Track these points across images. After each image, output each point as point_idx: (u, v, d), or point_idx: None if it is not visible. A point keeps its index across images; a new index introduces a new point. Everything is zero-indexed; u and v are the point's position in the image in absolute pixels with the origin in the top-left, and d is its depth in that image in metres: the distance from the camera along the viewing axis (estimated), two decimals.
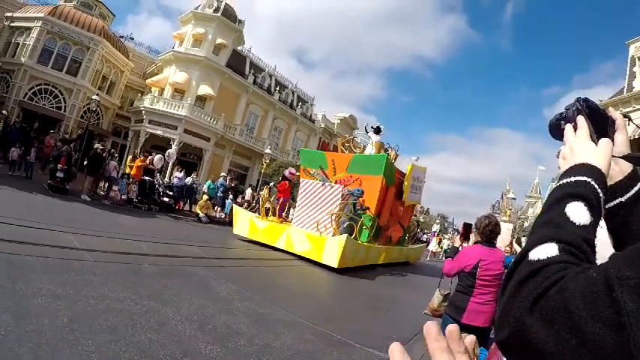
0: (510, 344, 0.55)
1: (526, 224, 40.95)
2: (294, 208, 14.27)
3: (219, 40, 27.71)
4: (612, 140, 0.76)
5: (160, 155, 16.52)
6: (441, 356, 0.53)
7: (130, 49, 30.70)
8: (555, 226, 0.61)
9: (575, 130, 0.77)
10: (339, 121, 39.47)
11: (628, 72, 20.77)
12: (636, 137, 12.03)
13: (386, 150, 15.02)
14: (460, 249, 4.37)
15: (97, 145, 14.87)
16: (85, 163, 15.50)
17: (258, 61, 31.90)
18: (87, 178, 13.66)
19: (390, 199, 14.01)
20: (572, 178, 0.67)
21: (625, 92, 20.32)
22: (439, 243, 27.38)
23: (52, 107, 24.97)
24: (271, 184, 15.99)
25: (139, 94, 28.96)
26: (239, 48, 30.22)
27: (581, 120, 0.77)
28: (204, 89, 26.83)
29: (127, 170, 15.62)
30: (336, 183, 12.90)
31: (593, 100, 0.80)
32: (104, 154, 14.81)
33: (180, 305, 4.78)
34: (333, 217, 11.40)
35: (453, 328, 0.55)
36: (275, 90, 32.39)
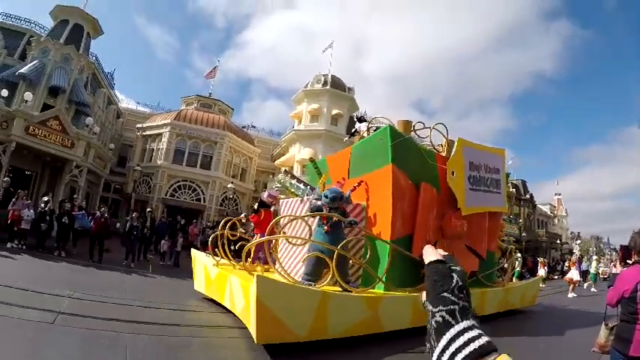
0: None
1: None
2: None
3: (334, 111, 27.99)
4: None
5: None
6: None
7: (254, 136, 31.98)
8: None
9: None
10: None
11: None
12: None
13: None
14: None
15: (239, 229, 14.21)
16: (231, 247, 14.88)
17: (375, 122, 30.68)
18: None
19: (429, 208, 7.74)
20: None
21: None
22: (583, 272, 20.94)
23: (192, 200, 26.16)
24: (242, 215, 10.57)
25: (271, 176, 29.47)
26: (355, 113, 29.58)
27: None
28: None
29: None
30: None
31: None
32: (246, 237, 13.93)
33: None
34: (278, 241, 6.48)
35: None
36: None
